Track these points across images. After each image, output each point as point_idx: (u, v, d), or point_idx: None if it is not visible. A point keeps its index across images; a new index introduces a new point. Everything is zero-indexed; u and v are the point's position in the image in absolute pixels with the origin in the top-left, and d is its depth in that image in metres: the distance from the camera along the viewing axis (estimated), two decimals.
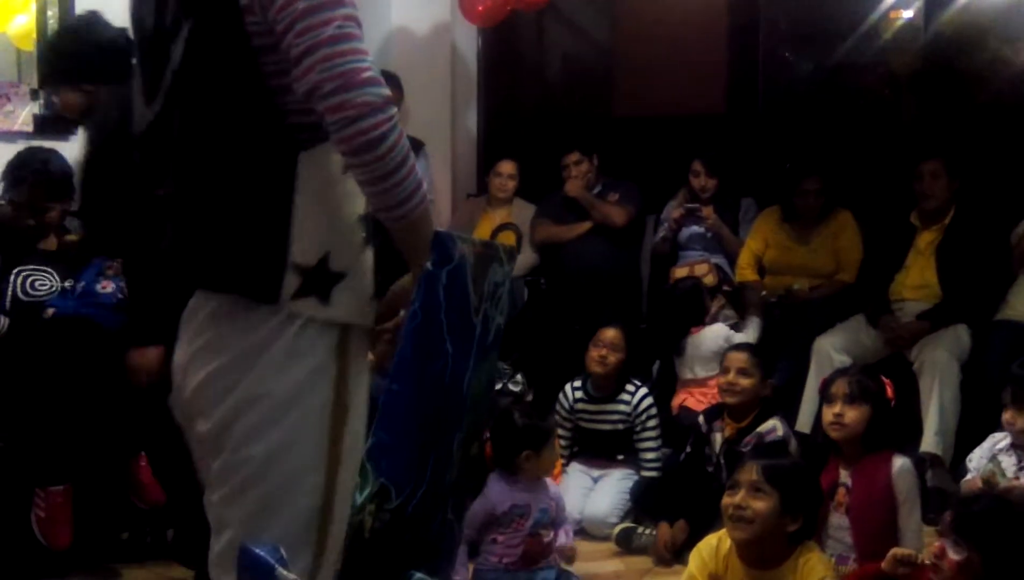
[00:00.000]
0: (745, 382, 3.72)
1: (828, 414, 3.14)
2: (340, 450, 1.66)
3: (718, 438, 3.77)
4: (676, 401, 4.50)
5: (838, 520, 3.09)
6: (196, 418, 1.71)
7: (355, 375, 1.69)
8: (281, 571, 1.20)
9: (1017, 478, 3.15)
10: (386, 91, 1.53)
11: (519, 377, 4.05)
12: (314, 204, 1.63)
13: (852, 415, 3.09)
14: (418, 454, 1.57)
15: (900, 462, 3.08)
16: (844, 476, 3.10)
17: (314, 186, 1.63)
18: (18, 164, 3.66)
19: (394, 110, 1.54)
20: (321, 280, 1.64)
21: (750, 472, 2.67)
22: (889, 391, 3.22)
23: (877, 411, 3.12)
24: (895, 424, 3.22)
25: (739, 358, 3.78)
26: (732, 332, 4.51)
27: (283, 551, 1.23)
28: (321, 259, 1.64)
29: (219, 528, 1.71)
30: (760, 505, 2.61)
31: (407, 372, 1.54)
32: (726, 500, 2.67)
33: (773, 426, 3.65)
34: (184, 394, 1.73)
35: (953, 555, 2.46)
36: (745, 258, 4.98)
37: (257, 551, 1.21)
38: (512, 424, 3.26)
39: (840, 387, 3.14)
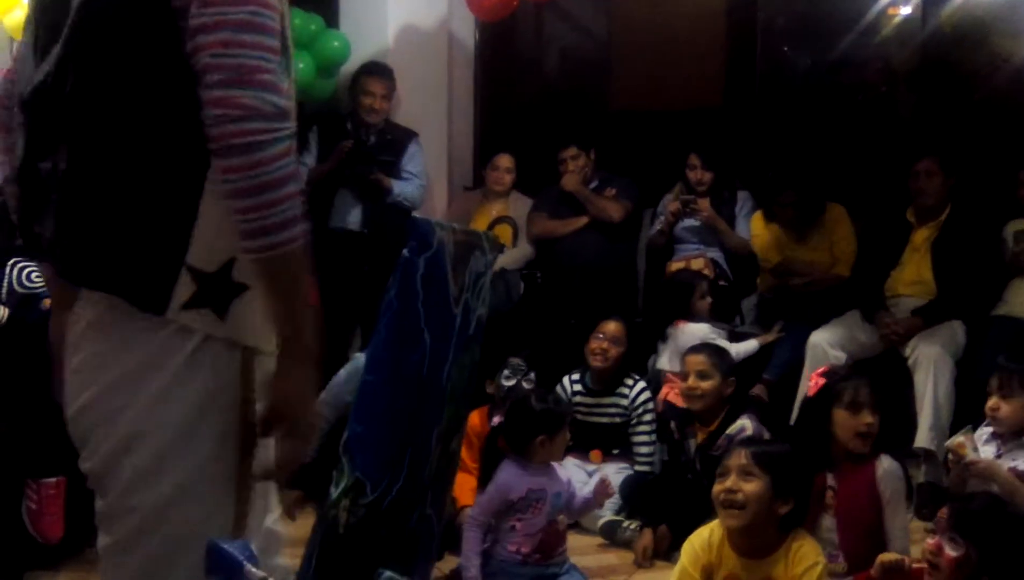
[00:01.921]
0: (705, 385, 3.68)
1: (858, 423, 3.03)
2: (249, 480, 1.45)
3: (692, 444, 3.75)
4: (660, 395, 4.45)
5: (827, 522, 3.07)
6: (80, 448, 1.49)
7: (263, 401, 1.45)
8: (250, 568, 1.18)
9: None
10: (282, 101, 1.33)
11: (532, 375, 4.03)
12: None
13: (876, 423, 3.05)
14: (394, 447, 1.55)
15: (886, 463, 3.05)
16: (829, 479, 3.07)
17: None
18: None
19: (285, 125, 1.34)
20: (220, 290, 1.40)
21: (739, 457, 2.67)
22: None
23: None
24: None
25: (696, 361, 3.72)
26: (711, 333, 4.41)
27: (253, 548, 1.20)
28: (224, 265, 1.40)
29: (106, 577, 1.49)
30: (751, 488, 2.61)
31: (382, 363, 1.51)
32: (717, 487, 2.66)
33: (742, 426, 3.62)
34: (67, 416, 1.50)
35: (950, 552, 2.46)
36: (763, 243, 4.95)
37: (225, 547, 1.18)
38: (529, 409, 3.29)
39: (863, 395, 3.05)
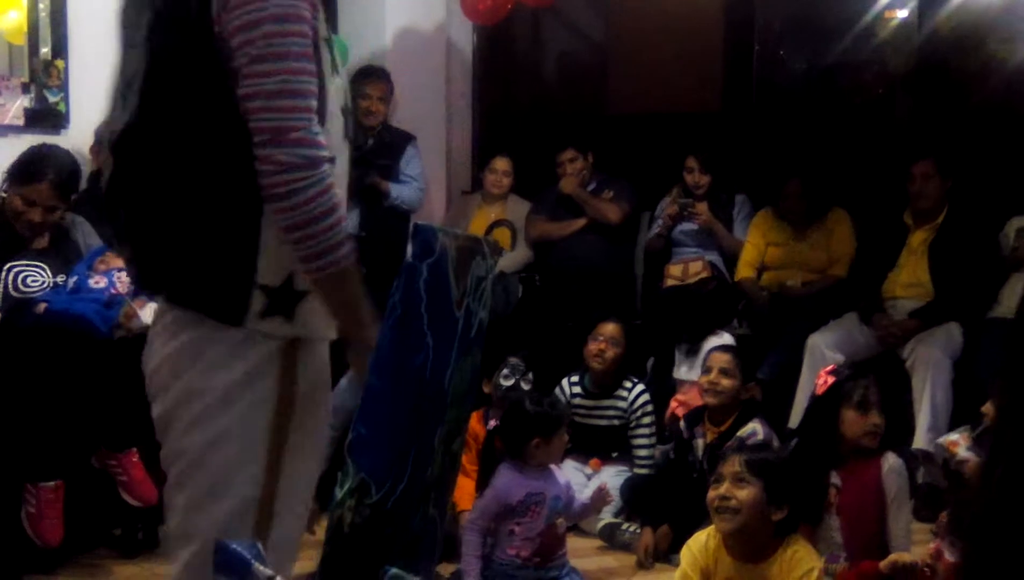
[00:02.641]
0: (727, 382, 3.72)
1: (867, 423, 3.07)
2: (283, 443, 1.72)
3: (700, 443, 3.77)
4: (672, 406, 4.44)
5: (829, 520, 3.08)
6: (153, 401, 1.79)
7: (305, 371, 1.75)
8: (257, 566, 1.20)
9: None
10: (315, 152, 1.60)
11: (531, 375, 4.05)
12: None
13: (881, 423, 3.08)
14: (398, 449, 1.57)
15: (891, 461, 3.07)
16: (834, 477, 3.09)
17: None
18: (35, 160, 3.57)
19: (321, 169, 1.60)
20: (287, 299, 1.70)
21: (733, 464, 2.70)
22: None
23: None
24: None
25: (722, 358, 3.79)
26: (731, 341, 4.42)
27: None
28: (287, 278, 1.70)
29: (168, 513, 1.80)
30: (744, 494, 2.64)
31: (386, 366, 1.54)
32: (711, 494, 2.69)
33: (753, 430, 3.65)
34: (146, 372, 1.81)
35: (950, 556, 2.46)
36: (750, 254, 4.97)
37: (233, 547, 1.20)
38: (523, 411, 3.30)
39: (873, 395, 3.08)
